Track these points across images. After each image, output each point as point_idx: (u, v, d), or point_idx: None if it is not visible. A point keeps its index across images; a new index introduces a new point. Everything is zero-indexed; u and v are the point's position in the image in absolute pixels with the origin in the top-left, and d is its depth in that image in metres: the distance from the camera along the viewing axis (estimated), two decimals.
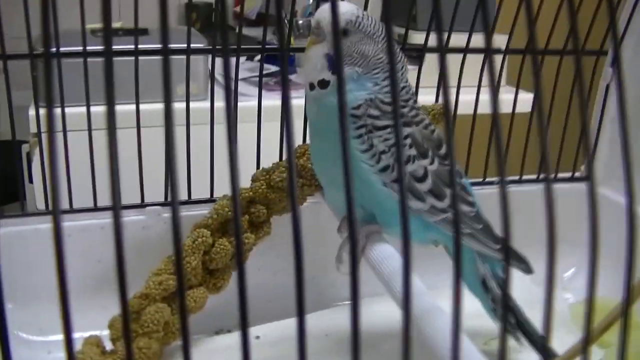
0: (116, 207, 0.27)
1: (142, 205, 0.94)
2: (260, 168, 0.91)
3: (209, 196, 0.97)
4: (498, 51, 1.01)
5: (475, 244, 0.77)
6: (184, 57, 0.89)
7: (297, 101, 0.93)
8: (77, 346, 0.80)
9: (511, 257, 0.80)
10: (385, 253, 0.71)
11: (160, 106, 0.27)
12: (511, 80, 1.05)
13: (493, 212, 0.79)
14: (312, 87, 0.74)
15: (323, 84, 0.73)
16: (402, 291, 0.62)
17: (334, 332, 0.90)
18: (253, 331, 0.90)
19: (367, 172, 0.73)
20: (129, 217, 0.93)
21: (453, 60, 0.95)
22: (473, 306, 0.80)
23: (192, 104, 0.90)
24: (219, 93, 1.37)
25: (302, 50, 0.79)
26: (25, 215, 0.91)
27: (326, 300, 0.99)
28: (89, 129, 0.91)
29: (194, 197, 0.97)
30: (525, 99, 1.07)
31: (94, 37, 1.41)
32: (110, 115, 0.26)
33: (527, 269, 0.80)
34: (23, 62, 0.86)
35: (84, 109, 0.90)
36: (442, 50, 0.31)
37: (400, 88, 0.76)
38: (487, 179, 1.06)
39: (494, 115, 0.32)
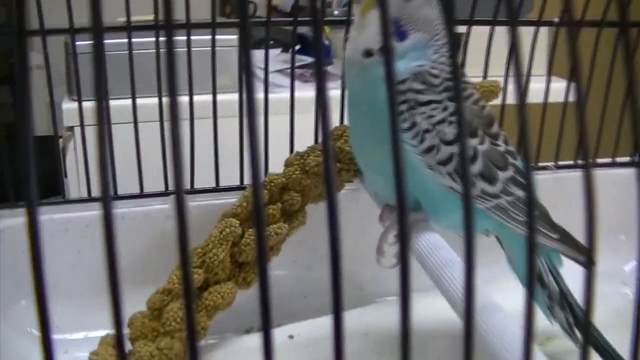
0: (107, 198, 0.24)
1: (166, 193, 0.89)
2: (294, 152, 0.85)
3: (238, 183, 0.91)
4: (549, 23, 0.94)
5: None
6: (218, 49, 0.86)
7: (334, 92, 0.89)
8: (93, 346, 0.74)
9: (571, 247, 0.73)
10: (433, 243, 0.65)
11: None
12: (558, 69, 0.99)
13: (547, 198, 0.75)
14: (368, 54, 0.68)
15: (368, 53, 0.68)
16: (456, 285, 0.56)
17: (374, 330, 0.85)
18: (286, 330, 0.85)
19: (410, 154, 0.66)
20: (152, 206, 0.88)
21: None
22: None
23: (225, 96, 0.89)
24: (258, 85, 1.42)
25: (338, 22, 0.73)
26: (67, 202, 0.89)
27: (367, 296, 0.93)
28: (102, 121, 0.86)
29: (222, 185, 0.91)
30: (560, 88, 1.00)
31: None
32: (98, 89, 0.24)
33: (589, 262, 0.74)
34: (56, 59, 0.82)
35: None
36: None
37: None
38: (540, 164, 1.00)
39: (579, 93, 0.29)
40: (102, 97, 0.24)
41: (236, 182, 0.92)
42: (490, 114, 0.70)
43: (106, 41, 0.23)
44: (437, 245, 0.64)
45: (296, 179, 0.81)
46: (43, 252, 0.25)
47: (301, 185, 0.82)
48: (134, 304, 0.76)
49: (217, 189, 0.90)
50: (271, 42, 1.72)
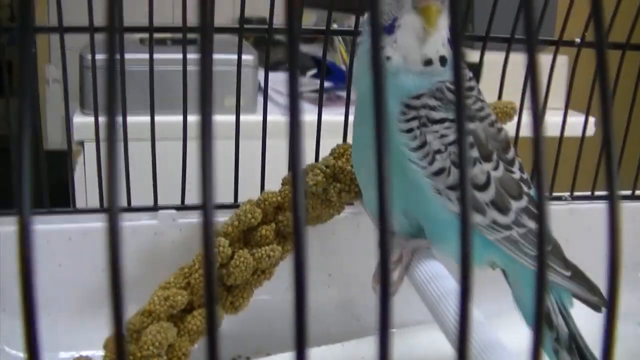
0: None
1: (155, 208, 0.85)
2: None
3: (232, 201, 0.87)
4: (571, 43, 0.90)
5: None
6: (232, 69, 0.84)
7: (339, 118, 0.86)
8: None
9: (584, 287, 0.69)
10: (433, 272, 0.60)
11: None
12: (574, 104, 0.96)
13: (560, 231, 0.71)
14: (428, 62, 0.63)
15: (443, 60, 0.63)
16: (455, 318, 0.51)
17: None
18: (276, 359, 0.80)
19: (417, 175, 0.62)
20: (140, 222, 0.84)
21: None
22: (529, 342, 0.69)
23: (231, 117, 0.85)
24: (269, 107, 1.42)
25: (343, 32, 0.69)
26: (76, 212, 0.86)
27: (364, 327, 0.89)
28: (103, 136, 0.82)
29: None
30: (577, 122, 0.97)
31: (142, 45, 1.50)
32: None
33: (599, 304, 0.69)
34: (71, 74, 0.82)
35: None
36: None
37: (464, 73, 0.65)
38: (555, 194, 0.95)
39: (605, 117, 0.26)
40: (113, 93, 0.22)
41: (230, 199, 0.87)
42: (507, 138, 0.66)
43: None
44: (438, 274, 0.60)
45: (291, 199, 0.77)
46: (34, 264, 0.23)
47: None
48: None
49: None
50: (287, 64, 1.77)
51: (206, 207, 0.23)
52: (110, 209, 0.23)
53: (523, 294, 0.69)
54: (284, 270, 0.81)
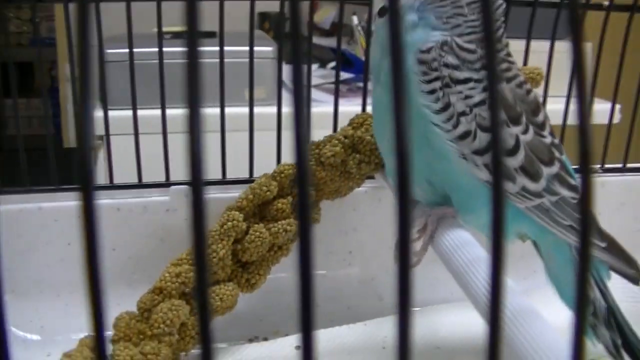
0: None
1: (167, 184, 0.82)
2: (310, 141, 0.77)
3: (247, 176, 0.84)
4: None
5: (576, 240, 0.61)
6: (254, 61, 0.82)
7: (359, 108, 0.84)
8: (72, 347, 0.67)
9: (620, 259, 0.65)
10: (460, 239, 0.57)
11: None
12: (600, 92, 0.94)
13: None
14: (381, 12, 0.61)
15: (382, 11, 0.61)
16: (485, 286, 0.47)
17: (393, 344, 0.76)
18: (293, 340, 0.77)
19: (441, 139, 0.58)
20: (151, 198, 0.81)
21: None
22: (565, 318, 0.65)
23: (258, 109, 0.84)
24: (286, 98, 1.40)
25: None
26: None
27: (386, 306, 0.86)
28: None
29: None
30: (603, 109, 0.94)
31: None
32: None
33: (636, 277, 0.65)
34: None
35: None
36: None
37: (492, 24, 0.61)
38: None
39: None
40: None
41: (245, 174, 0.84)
42: (537, 100, 0.62)
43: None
44: (465, 241, 0.56)
45: (310, 171, 0.73)
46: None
47: (315, 178, 0.74)
48: (129, 304, 0.68)
49: (223, 181, 0.82)
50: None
51: (197, 182, 0.21)
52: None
53: (557, 267, 0.66)
54: None
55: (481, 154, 0.58)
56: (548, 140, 0.61)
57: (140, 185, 0.81)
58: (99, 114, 1.45)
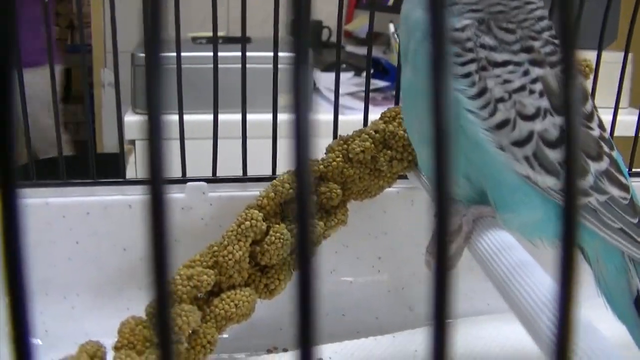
0: None
1: (183, 180, 0.78)
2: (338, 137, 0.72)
3: (270, 173, 0.80)
4: None
5: (627, 245, 0.56)
6: (284, 67, 0.77)
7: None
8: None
9: None
10: (500, 242, 0.51)
11: None
12: (636, 101, 0.90)
13: None
14: None
15: None
16: (530, 295, 0.41)
17: (424, 358, 0.71)
18: (320, 351, 0.71)
19: (476, 128, 0.53)
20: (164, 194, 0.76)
21: None
22: (617, 333, 0.60)
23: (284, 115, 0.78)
24: (321, 105, 1.57)
25: None
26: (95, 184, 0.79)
27: (418, 317, 0.82)
28: None
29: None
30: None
31: (194, 44, 1.62)
32: None
33: None
34: (124, 76, 0.81)
35: None
36: None
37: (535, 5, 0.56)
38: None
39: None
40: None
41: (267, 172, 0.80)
42: (584, 88, 0.56)
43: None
44: (506, 244, 0.51)
45: (337, 168, 0.69)
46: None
47: (342, 175, 0.69)
48: (139, 309, 0.64)
49: (243, 179, 0.78)
50: (344, 65, 1.83)
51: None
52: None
53: (607, 276, 0.60)
54: (329, 249, 0.75)
55: (521, 146, 0.53)
56: (596, 133, 0.56)
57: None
58: (129, 118, 1.46)
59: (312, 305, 0.19)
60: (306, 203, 0.19)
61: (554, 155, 0.54)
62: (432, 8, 0.19)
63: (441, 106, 0.19)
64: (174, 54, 0.74)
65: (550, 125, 0.54)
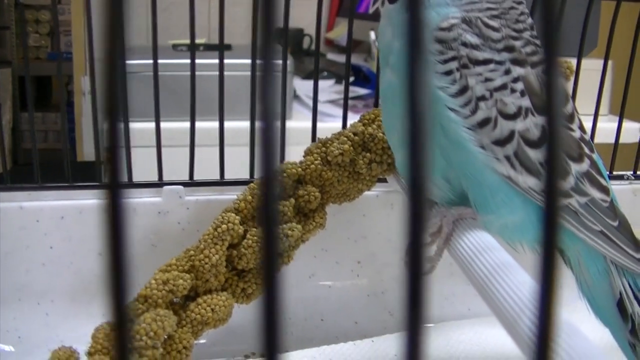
0: None
1: (160, 184, 0.78)
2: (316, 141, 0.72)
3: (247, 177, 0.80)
4: None
5: (608, 248, 0.57)
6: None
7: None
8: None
9: None
10: (481, 243, 0.51)
11: None
12: (615, 109, 0.92)
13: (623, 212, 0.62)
14: None
15: None
16: (511, 296, 0.42)
17: None
18: (296, 357, 0.72)
19: (457, 126, 0.53)
20: (142, 199, 0.77)
21: None
22: (600, 336, 0.60)
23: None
24: (301, 113, 1.64)
25: None
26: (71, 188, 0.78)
27: (398, 321, 0.81)
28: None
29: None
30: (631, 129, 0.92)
31: (174, 51, 1.62)
32: None
33: None
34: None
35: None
36: None
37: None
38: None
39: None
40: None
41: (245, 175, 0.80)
42: (565, 89, 0.57)
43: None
44: (486, 245, 0.51)
45: (315, 171, 0.69)
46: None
47: (321, 178, 0.69)
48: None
49: (221, 182, 0.78)
50: (325, 73, 1.87)
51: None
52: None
53: (589, 280, 0.60)
54: (308, 253, 0.74)
55: (502, 145, 0.53)
56: (577, 134, 0.56)
57: (131, 184, 0.76)
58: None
59: (278, 317, 0.19)
60: (272, 213, 0.19)
61: (535, 155, 0.54)
62: (410, 6, 0.19)
63: (417, 97, 0.19)
64: (151, 61, 0.74)
65: (532, 124, 0.54)
